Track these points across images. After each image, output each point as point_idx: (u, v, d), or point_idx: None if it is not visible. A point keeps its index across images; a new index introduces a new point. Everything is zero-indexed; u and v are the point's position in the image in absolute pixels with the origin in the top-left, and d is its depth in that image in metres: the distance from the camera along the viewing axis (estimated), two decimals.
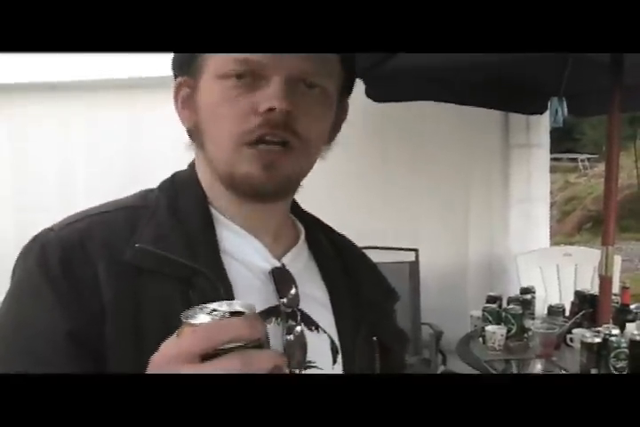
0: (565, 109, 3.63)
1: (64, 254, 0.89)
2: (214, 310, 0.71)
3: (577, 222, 12.08)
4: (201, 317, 0.70)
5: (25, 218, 4.17)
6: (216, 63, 0.94)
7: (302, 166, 0.99)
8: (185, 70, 0.99)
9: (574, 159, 17.12)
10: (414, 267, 4.21)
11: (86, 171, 4.38)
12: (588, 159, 16.76)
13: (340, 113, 1.05)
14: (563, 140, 16.38)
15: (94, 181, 4.22)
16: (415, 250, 4.22)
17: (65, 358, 0.83)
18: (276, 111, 0.89)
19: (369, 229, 4.03)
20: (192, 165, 1.05)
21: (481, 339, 3.25)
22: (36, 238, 0.93)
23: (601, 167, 14.89)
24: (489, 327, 3.18)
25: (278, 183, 0.95)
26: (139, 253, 0.90)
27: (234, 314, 0.70)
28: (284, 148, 0.93)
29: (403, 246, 4.18)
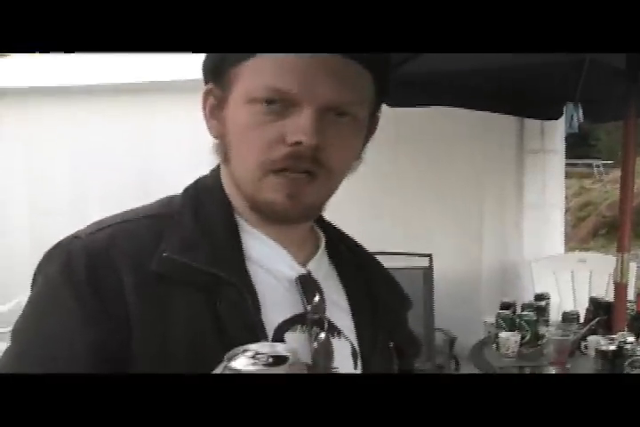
0: (581, 115, 3.61)
1: (89, 262, 0.88)
2: (257, 354, 0.70)
3: (592, 228, 12.01)
4: (243, 361, 0.69)
5: (38, 221, 4.20)
6: (246, 86, 0.93)
7: (327, 193, 0.99)
8: (213, 78, 0.98)
9: (589, 165, 17.03)
10: (428, 273, 4.19)
11: (99, 174, 4.40)
12: (604, 165, 16.67)
13: (371, 128, 1.04)
14: (578, 146, 16.30)
15: (107, 185, 4.25)
16: (429, 255, 4.21)
17: (85, 368, 0.83)
18: (303, 145, 0.89)
19: (383, 234, 4.04)
20: (216, 172, 1.04)
21: (494, 345, 3.23)
22: (59, 245, 0.93)
23: (616, 173, 14.81)
24: (502, 334, 3.16)
25: (302, 211, 0.95)
26: (166, 263, 0.89)
27: (277, 359, 0.69)
28: (309, 177, 0.92)
29: (417, 252, 4.17)
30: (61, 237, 0.95)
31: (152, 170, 4.15)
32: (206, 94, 1.00)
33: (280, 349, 0.72)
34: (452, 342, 3.91)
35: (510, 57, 2.93)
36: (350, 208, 3.90)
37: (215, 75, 0.97)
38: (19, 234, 4.34)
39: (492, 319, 3.37)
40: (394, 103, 3.63)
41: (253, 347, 0.72)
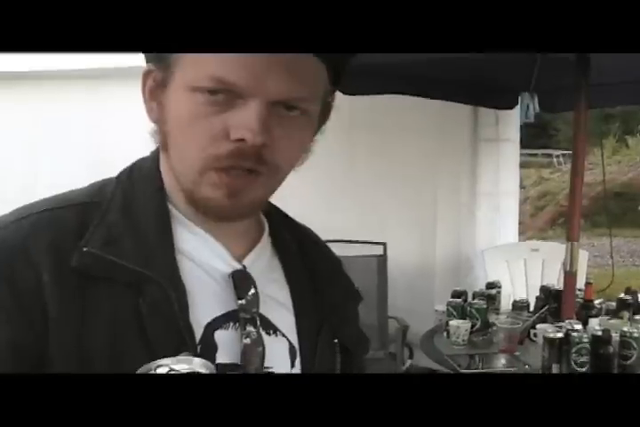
0: (536, 105, 3.62)
1: (5, 257, 0.84)
2: (171, 371, 0.68)
3: (550, 218, 12.13)
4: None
5: None
6: (189, 73, 0.86)
7: (270, 190, 0.94)
8: (154, 59, 0.91)
9: (549, 155, 17.19)
10: (382, 261, 4.21)
11: (49, 162, 4.34)
12: (563, 155, 16.83)
13: (322, 121, 0.98)
14: (538, 136, 16.45)
15: (57, 173, 4.19)
16: (383, 244, 4.22)
17: (4, 367, 0.80)
18: (247, 143, 0.83)
19: (337, 222, 4.04)
20: (155, 156, 0.98)
21: (445, 333, 3.25)
22: None
23: None
24: (453, 322, 3.19)
25: (241, 209, 0.91)
26: (86, 258, 0.84)
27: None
28: (252, 175, 0.87)
29: (371, 240, 4.17)
30: None
31: (104, 158, 4.10)
32: (145, 75, 0.93)
33: (196, 365, 0.69)
34: (404, 330, 3.92)
35: None
36: (304, 196, 3.90)
37: (157, 56, 0.90)
38: None
39: (443, 308, 3.39)
40: (349, 91, 3.62)
41: (167, 362, 0.69)
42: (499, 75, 3.87)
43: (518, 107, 3.94)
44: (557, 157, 16.96)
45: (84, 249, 0.85)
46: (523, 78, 3.68)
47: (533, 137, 14.77)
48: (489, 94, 4.14)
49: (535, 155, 16.85)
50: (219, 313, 0.92)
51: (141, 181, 0.96)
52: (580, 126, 3.10)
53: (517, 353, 2.99)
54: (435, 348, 3.15)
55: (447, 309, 3.32)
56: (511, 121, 4.54)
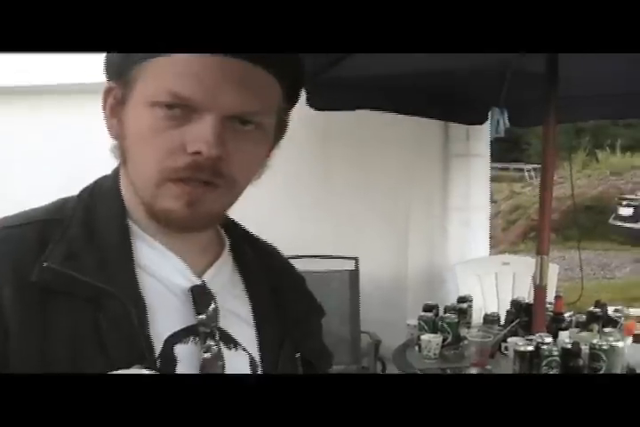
0: (507, 120, 3.65)
1: None
2: None
3: (521, 232, 12.23)
4: None
5: None
6: (147, 88, 0.89)
7: (228, 202, 0.96)
8: (115, 76, 0.93)
9: (520, 169, 17.34)
10: (354, 275, 4.22)
11: (27, 174, 4.31)
12: (534, 169, 16.98)
13: (277, 137, 1.01)
14: (509, 151, 16.60)
15: (34, 185, 4.15)
16: (355, 258, 4.23)
17: None
18: (203, 155, 0.85)
19: (309, 237, 4.04)
20: (116, 173, 1.00)
21: (417, 347, 3.25)
22: None
23: None
24: (424, 336, 3.19)
25: (201, 219, 0.92)
26: (46, 273, 0.85)
27: None
28: (209, 187, 0.89)
29: (343, 255, 4.18)
30: None
31: (81, 173, 4.07)
32: (106, 93, 0.96)
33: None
34: (377, 344, 3.93)
35: (439, 61, 2.97)
36: (276, 210, 3.90)
37: (117, 73, 0.93)
38: None
39: (415, 322, 3.40)
40: (321, 106, 3.64)
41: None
42: (468, 90, 3.90)
43: (489, 122, 3.99)
44: (529, 171, 17.12)
45: (44, 264, 0.86)
46: (492, 93, 3.71)
47: (505, 151, 14.89)
48: (460, 110, 4.17)
49: (507, 169, 17.00)
50: (179, 327, 0.93)
51: (102, 197, 0.98)
52: (548, 140, 3.12)
53: (489, 367, 2.99)
54: (407, 362, 3.15)
55: (419, 323, 3.32)
56: (482, 136, 4.56)
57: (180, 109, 0.87)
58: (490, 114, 3.75)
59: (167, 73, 0.87)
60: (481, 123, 4.27)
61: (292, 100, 0.99)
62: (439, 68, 3.15)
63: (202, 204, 0.90)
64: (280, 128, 1.00)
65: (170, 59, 0.87)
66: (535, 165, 16.93)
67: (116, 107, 0.94)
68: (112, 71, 0.95)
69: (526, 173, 17.22)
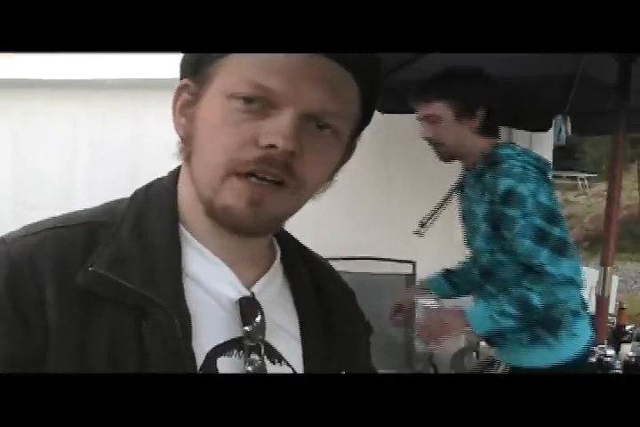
0: (569, 128, 3.62)
1: (11, 272, 0.83)
2: None
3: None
4: None
5: (24, 215, 4.17)
6: (228, 80, 0.87)
7: (292, 207, 0.92)
8: (191, 73, 0.92)
9: (574, 178, 17.12)
10: (411, 279, 4.20)
11: (86, 169, 4.38)
12: (588, 178, 16.77)
13: (347, 153, 0.98)
14: (563, 159, 16.38)
15: (94, 180, 4.23)
16: (412, 262, 4.22)
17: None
18: (278, 149, 0.83)
19: (367, 240, 4.03)
20: (174, 175, 0.99)
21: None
22: None
23: (600, 187, 14.92)
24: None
25: (261, 221, 0.89)
26: (91, 278, 0.84)
27: None
28: (277, 186, 0.86)
29: (400, 258, 4.17)
30: None
31: (140, 166, 4.13)
32: (180, 90, 0.95)
33: None
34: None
35: (506, 68, 2.96)
36: (335, 214, 3.91)
37: (194, 68, 0.91)
38: (3, 230, 4.31)
39: None
40: (385, 109, 3.64)
41: None
42: (534, 97, 3.87)
43: (552, 130, 3.96)
44: (582, 179, 16.89)
45: (90, 268, 0.85)
46: (558, 101, 3.69)
47: (559, 159, 14.68)
48: (524, 116, 4.13)
49: (560, 177, 16.79)
50: (223, 340, 0.90)
51: (155, 200, 0.96)
52: (618, 152, 3.08)
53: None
54: (465, 368, 3.15)
55: None
56: (544, 144, 4.52)
57: (259, 104, 0.85)
58: (553, 122, 3.73)
59: (249, 65, 0.85)
60: (545, 130, 4.23)
61: (367, 110, 0.96)
62: (507, 73, 3.13)
63: (265, 204, 0.86)
64: (350, 145, 0.98)
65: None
66: (589, 174, 16.73)
67: (186, 105, 0.93)
68: (189, 68, 0.94)
69: (579, 182, 17.00)
